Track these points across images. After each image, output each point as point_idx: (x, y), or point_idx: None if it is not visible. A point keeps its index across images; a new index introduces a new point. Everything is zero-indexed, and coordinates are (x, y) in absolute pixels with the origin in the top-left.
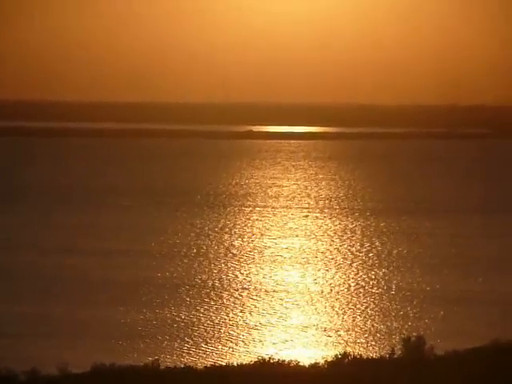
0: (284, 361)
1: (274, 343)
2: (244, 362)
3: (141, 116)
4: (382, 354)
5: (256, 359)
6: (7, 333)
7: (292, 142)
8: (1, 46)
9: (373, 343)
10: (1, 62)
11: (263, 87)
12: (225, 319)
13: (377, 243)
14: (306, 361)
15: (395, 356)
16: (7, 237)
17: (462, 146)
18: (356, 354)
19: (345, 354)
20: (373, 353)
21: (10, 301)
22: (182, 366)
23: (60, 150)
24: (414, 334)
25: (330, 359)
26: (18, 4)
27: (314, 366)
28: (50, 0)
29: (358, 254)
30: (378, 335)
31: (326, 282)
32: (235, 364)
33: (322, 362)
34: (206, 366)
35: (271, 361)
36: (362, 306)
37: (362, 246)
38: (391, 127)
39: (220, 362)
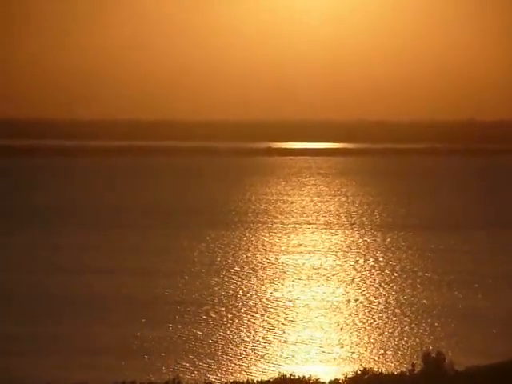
0: (304, 377)
1: (280, 359)
2: (261, 379)
3: (158, 134)
4: (403, 369)
5: (277, 375)
6: (21, 353)
7: (306, 158)
8: (11, 65)
9: (376, 358)
10: (6, 79)
11: (281, 104)
12: (231, 335)
13: (383, 258)
14: (324, 377)
15: (415, 372)
16: (15, 257)
17: (478, 162)
18: (376, 370)
19: (364, 370)
20: (377, 368)
21: (23, 321)
22: (203, 382)
23: (70, 169)
24: (427, 349)
25: (350, 375)
26: (28, 22)
27: (335, 383)
28: (60, 18)
29: (363, 269)
30: (382, 351)
31: (331, 297)
32: (256, 381)
33: (342, 378)
34: (226, 383)
35: (292, 377)
36: (367, 321)
37: (375, 260)
38: (407, 143)
39: (231, 379)
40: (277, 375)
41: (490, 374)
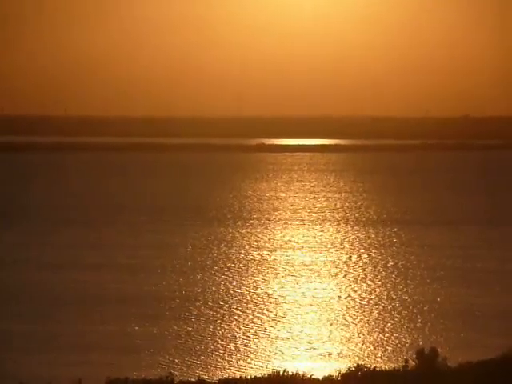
0: (298, 373)
1: (270, 355)
2: (254, 376)
3: (151, 130)
4: (396, 366)
5: (270, 372)
6: (18, 350)
7: (298, 154)
8: (8, 62)
9: (367, 355)
10: (6, 76)
11: (273, 101)
12: (222, 332)
13: (369, 254)
14: (316, 373)
15: (408, 368)
16: (13, 255)
17: (472, 158)
18: (371, 366)
19: (358, 367)
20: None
21: (21, 318)
22: (195, 379)
23: (67, 165)
24: (419, 345)
25: (343, 371)
26: (24, 19)
27: (328, 379)
28: (57, 16)
29: (354, 265)
30: (372, 347)
31: (322, 293)
32: (249, 377)
33: (335, 374)
34: (219, 379)
35: (285, 374)
36: (358, 317)
37: (367, 256)
38: (400, 139)
39: (223, 375)
40: (270, 372)
41: (483, 370)
